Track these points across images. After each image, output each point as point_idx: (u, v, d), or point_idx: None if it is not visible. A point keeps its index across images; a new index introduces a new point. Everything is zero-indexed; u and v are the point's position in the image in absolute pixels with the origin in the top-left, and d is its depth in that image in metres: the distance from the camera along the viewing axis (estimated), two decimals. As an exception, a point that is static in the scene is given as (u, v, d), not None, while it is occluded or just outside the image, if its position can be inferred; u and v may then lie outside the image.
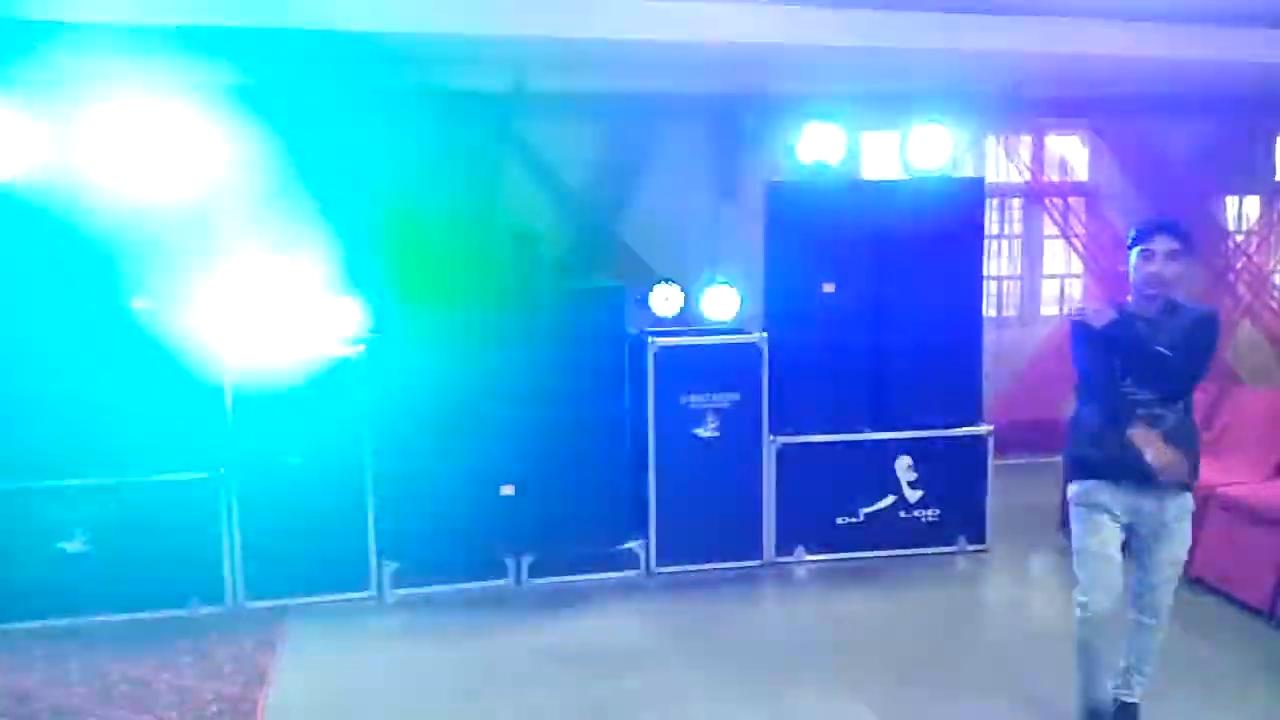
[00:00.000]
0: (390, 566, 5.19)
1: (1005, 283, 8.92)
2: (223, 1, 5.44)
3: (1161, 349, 3.34)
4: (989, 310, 8.70)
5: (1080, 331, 3.48)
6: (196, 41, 5.59)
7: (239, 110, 5.69)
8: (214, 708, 3.98)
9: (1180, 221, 3.46)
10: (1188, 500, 3.48)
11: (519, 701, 4.09)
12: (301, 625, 4.83)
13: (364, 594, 5.13)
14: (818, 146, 5.89)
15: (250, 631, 4.72)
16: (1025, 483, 6.75)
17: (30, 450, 4.73)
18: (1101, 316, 3.42)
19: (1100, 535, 3.46)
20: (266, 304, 5.07)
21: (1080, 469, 3.54)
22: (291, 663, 4.44)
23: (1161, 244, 3.35)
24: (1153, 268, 3.35)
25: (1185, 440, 3.40)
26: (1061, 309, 8.88)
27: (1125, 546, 3.52)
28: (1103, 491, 3.46)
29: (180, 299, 4.91)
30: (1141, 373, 3.37)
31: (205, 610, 4.93)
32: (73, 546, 4.79)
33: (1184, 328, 3.38)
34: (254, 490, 4.99)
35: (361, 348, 5.13)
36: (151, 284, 4.89)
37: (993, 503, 5.88)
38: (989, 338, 7.60)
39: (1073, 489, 3.56)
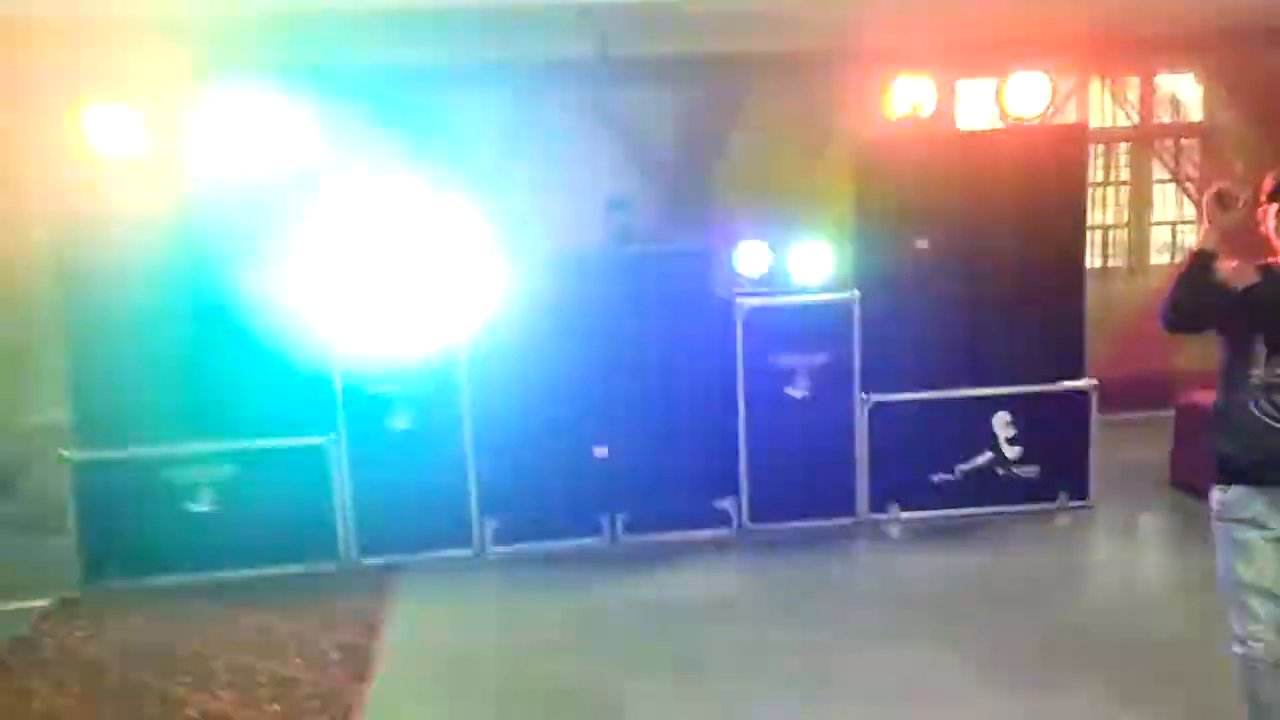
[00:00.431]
0: (491, 525, 5.39)
1: (1112, 232, 8.56)
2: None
3: None
4: (1094, 261, 8.38)
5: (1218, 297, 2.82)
6: (297, 26, 5.84)
7: (335, 91, 5.93)
8: (334, 654, 4.25)
9: None
10: None
11: (616, 651, 4.23)
12: (410, 580, 5.08)
13: (467, 551, 5.35)
14: (908, 99, 5.76)
15: (363, 586, 5.00)
16: (1134, 439, 6.55)
17: (161, 418, 5.07)
18: (1242, 275, 2.80)
19: (1254, 561, 2.78)
20: (373, 275, 5.27)
21: (1223, 472, 2.87)
22: (402, 614, 4.69)
23: None
24: None
25: None
26: (1173, 258, 8.48)
27: None
28: (1253, 501, 2.78)
29: (294, 272, 5.13)
30: None
31: (321, 566, 5.22)
32: (200, 507, 5.13)
33: None
34: (365, 454, 5.24)
35: (462, 318, 5.28)
36: (269, 258, 5.11)
37: (1098, 459, 5.72)
38: (1094, 289, 7.34)
39: (1215, 499, 2.89)
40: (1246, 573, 2.78)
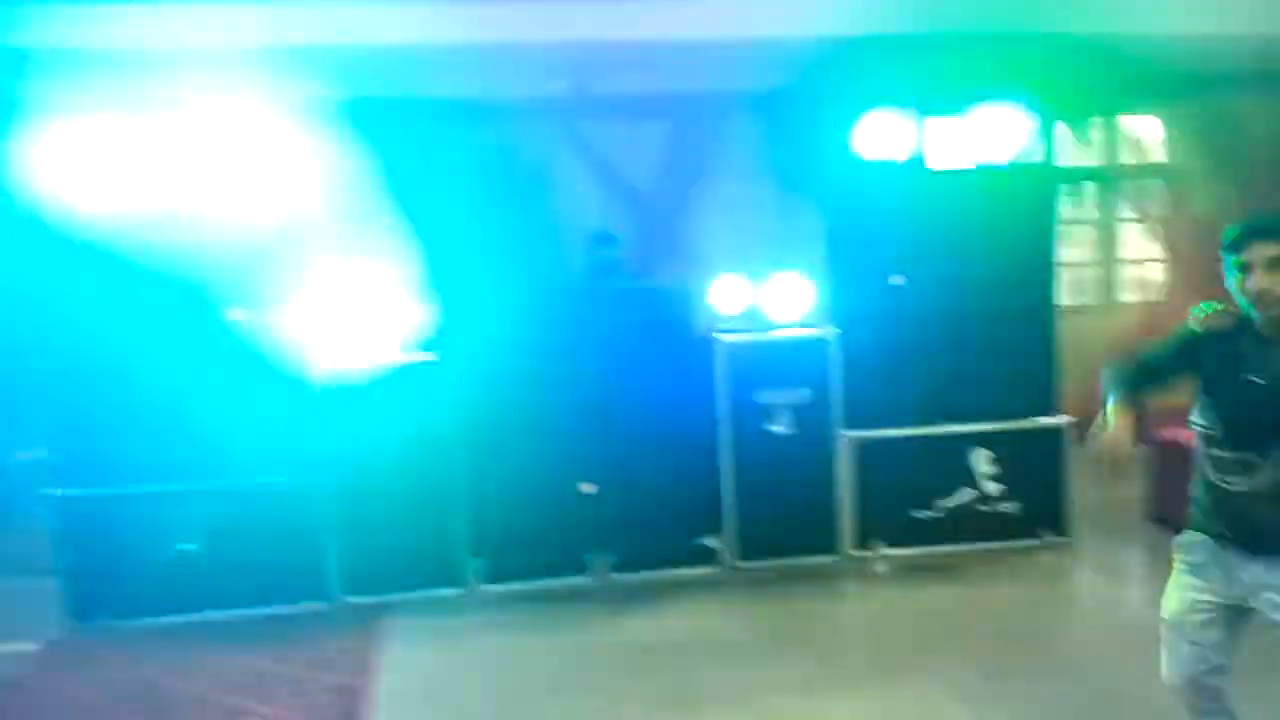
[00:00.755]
0: (481, 564, 5.43)
1: (1081, 269, 8.79)
2: (308, 22, 5.77)
3: (1253, 377, 2.64)
4: (1065, 298, 8.60)
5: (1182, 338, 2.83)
6: (284, 60, 5.91)
7: (322, 125, 5.99)
8: (325, 697, 4.25)
9: None
10: None
11: (605, 690, 4.28)
12: (399, 619, 5.09)
13: (457, 590, 5.37)
14: (880, 137, 5.91)
15: (353, 626, 5.01)
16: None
17: (150, 457, 5.08)
18: (1215, 321, 2.76)
19: (1181, 601, 2.82)
20: (357, 315, 5.33)
21: (1189, 515, 2.88)
22: (392, 654, 4.71)
23: (1259, 252, 2.59)
24: (1254, 283, 2.60)
25: None
26: (1142, 295, 8.72)
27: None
28: (1201, 551, 2.80)
29: (279, 311, 5.18)
30: (1226, 404, 2.71)
31: (310, 607, 5.22)
32: (189, 547, 5.12)
33: None
34: (353, 494, 5.26)
35: (447, 355, 5.35)
36: (253, 296, 5.16)
37: (1077, 495, 5.85)
38: (1066, 326, 7.53)
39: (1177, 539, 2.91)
40: (1172, 607, 2.85)
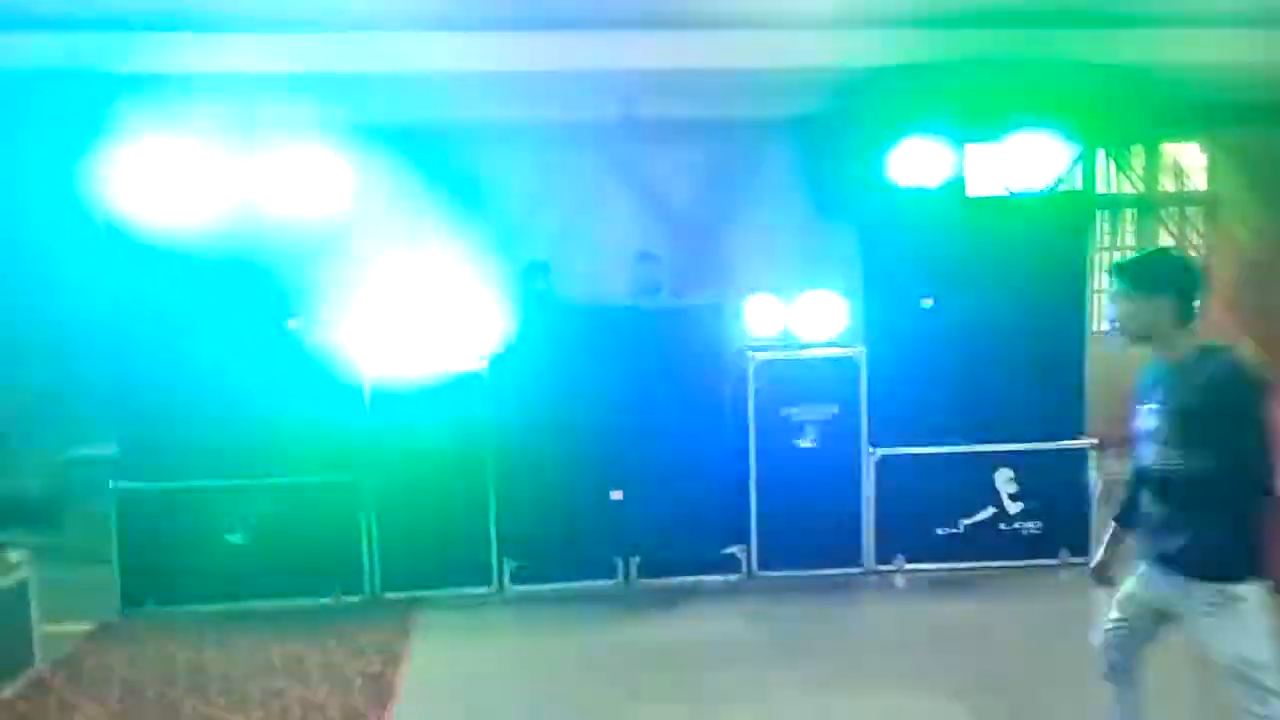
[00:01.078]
0: (510, 565, 5.62)
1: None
2: (365, 50, 6.09)
3: (1149, 404, 2.96)
4: (1102, 325, 8.59)
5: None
6: (343, 84, 6.24)
7: (379, 146, 6.30)
8: (358, 682, 4.47)
9: (1141, 259, 3.33)
10: (1214, 592, 2.84)
11: (624, 686, 4.44)
12: (431, 614, 5.31)
13: (486, 589, 5.57)
14: (916, 162, 6.05)
15: (387, 619, 5.24)
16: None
17: (203, 453, 5.38)
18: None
19: (1126, 583, 3.21)
20: (403, 323, 5.58)
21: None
22: (422, 646, 4.92)
23: (1112, 287, 3.02)
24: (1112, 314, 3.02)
25: (1195, 525, 2.88)
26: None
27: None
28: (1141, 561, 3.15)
29: (329, 319, 5.46)
30: (1144, 431, 3.01)
31: (348, 599, 5.46)
32: (236, 539, 5.41)
33: (1200, 383, 2.83)
34: (390, 493, 5.51)
35: (491, 365, 5.58)
36: (305, 305, 5.45)
37: (1101, 517, 5.86)
38: (1101, 353, 7.52)
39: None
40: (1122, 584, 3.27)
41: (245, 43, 5.97)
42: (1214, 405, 2.80)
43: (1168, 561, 2.97)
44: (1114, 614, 3.27)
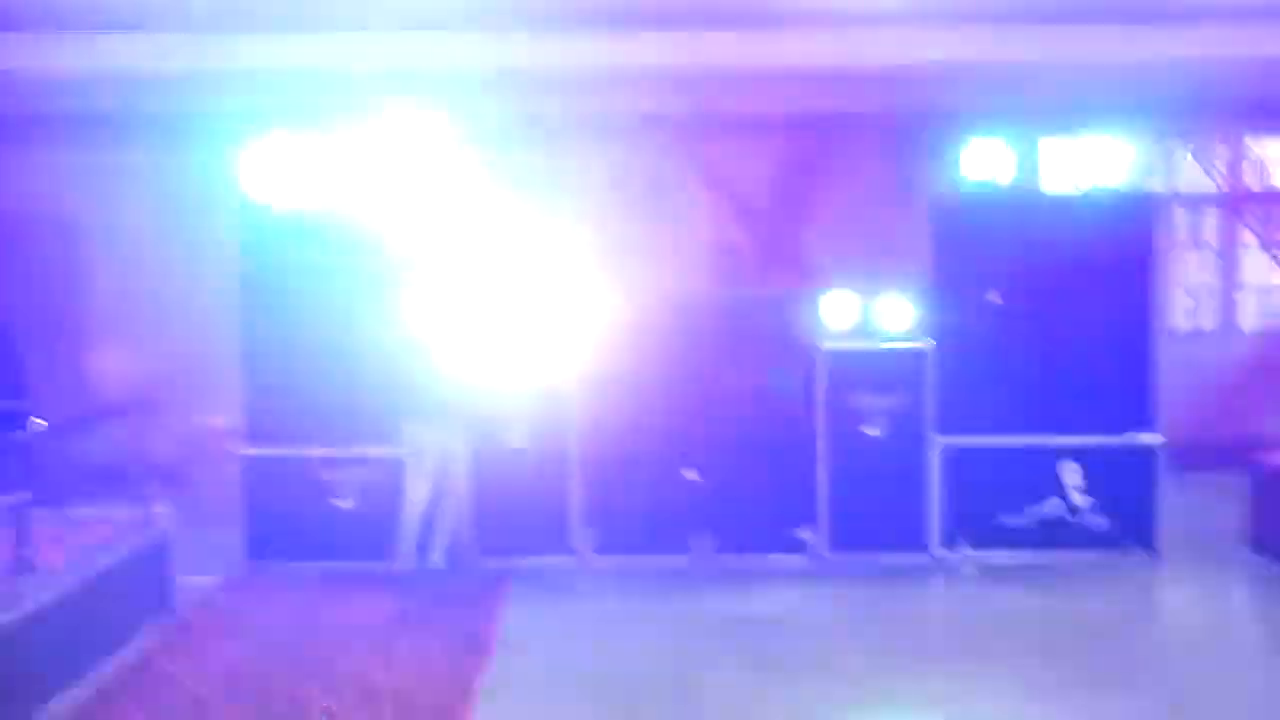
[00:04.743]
0: (592, 536, 6.04)
1: (1198, 294, 8.75)
2: (470, 48, 6.54)
3: None
4: (1180, 322, 8.60)
5: None
6: (458, 81, 6.68)
7: (482, 140, 6.74)
8: (454, 637, 4.93)
9: None
10: None
11: (694, 652, 4.80)
12: (519, 580, 5.77)
13: (570, 558, 6.00)
14: (986, 160, 6.23)
15: (482, 581, 5.69)
16: (1217, 498, 6.73)
17: (320, 423, 5.90)
18: None
19: None
20: (501, 306, 5.97)
21: None
22: (512, 609, 5.37)
23: None
24: None
25: None
26: (1262, 322, 8.62)
27: None
28: None
29: (433, 301, 5.89)
30: None
31: (446, 563, 5.93)
32: (345, 504, 5.94)
33: None
34: (484, 466, 5.95)
35: (588, 347, 5.95)
36: (417, 290, 5.89)
37: (1174, 515, 6.00)
38: (1181, 351, 7.57)
39: None
40: None
41: (370, 40, 6.46)
42: None
43: None
44: None
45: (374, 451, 5.95)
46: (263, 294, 5.97)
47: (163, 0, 6.32)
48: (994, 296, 6.06)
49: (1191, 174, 8.47)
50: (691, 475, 6.02)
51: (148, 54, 6.75)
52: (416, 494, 5.64)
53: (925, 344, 6.06)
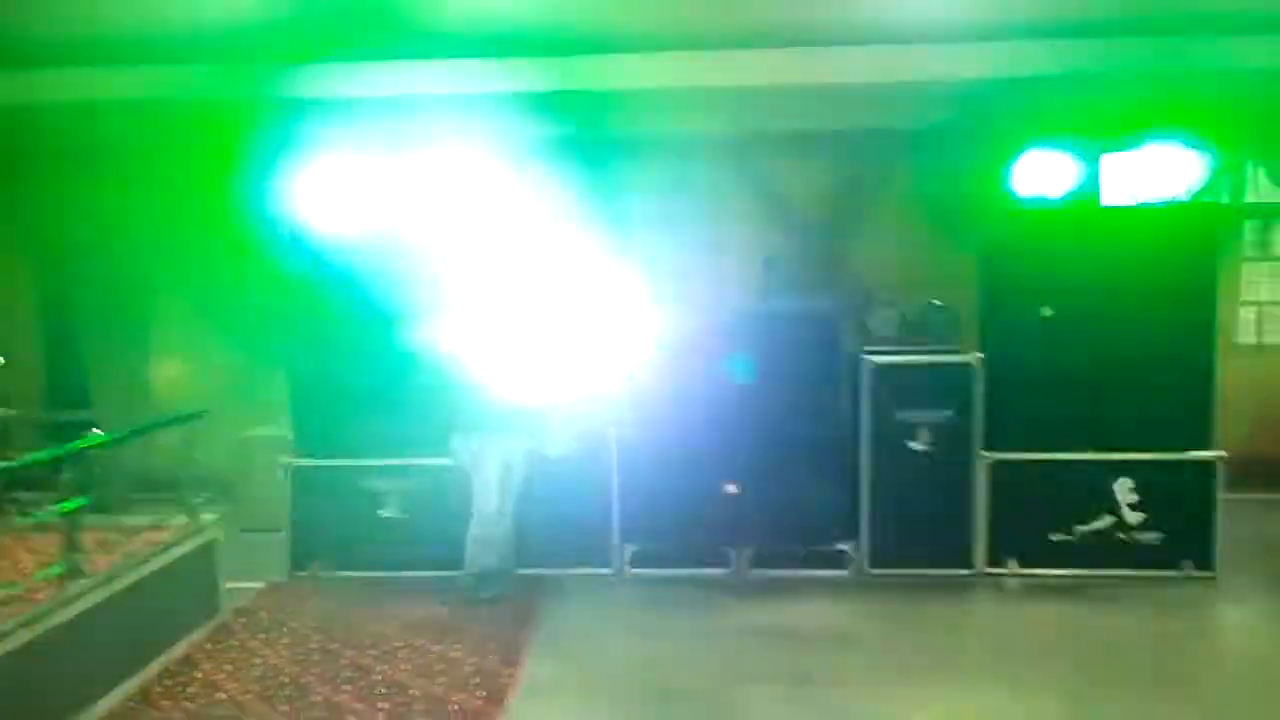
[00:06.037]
0: (630, 549, 6.02)
1: (1270, 308, 8.41)
2: (518, 72, 6.63)
3: None
4: (1247, 337, 8.28)
5: None
6: (503, 103, 6.78)
7: (533, 159, 6.81)
8: (491, 644, 4.96)
9: None
10: None
11: (729, 664, 4.75)
12: (557, 589, 5.77)
13: (607, 570, 5.99)
14: (1039, 172, 6.11)
15: (519, 590, 5.71)
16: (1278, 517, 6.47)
17: (365, 435, 6.00)
18: None
19: None
20: (547, 323, 5.97)
21: None
22: (548, 617, 5.37)
23: None
24: None
25: None
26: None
27: None
28: None
29: (477, 318, 5.95)
30: None
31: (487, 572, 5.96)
32: (389, 514, 6.01)
33: None
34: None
35: (633, 358, 5.97)
36: (460, 307, 5.95)
37: (1232, 533, 5.77)
38: (1247, 366, 7.28)
39: None
40: None
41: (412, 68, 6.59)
42: None
43: None
44: None
45: (419, 462, 6.02)
46: (312, 310, 6.10)
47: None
48: (1046, 311, 5.90)
49: (1263, 186, 8.17)
50: (731, 488, 5.96)
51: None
52: (487, 505, 5.68)
53: (974, 358, 5.93)
